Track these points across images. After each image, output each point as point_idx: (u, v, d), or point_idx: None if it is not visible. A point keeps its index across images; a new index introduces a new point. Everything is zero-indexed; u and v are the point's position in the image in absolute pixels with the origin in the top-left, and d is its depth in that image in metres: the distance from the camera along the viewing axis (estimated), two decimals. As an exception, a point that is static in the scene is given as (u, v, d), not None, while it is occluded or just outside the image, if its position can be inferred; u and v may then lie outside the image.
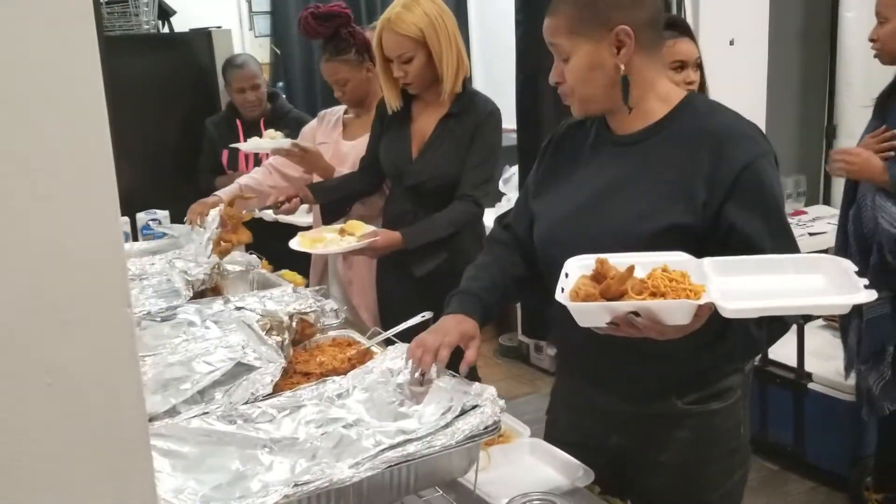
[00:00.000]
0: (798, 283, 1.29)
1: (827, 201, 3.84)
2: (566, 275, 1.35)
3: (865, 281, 1.23)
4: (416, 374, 1.43)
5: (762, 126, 3.65)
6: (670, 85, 1.52)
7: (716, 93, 3.42)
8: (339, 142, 2.82)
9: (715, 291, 1.23)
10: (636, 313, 1.24)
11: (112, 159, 0.74)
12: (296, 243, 2.40)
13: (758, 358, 3.00)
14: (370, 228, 2.39)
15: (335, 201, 2.64)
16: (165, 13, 3.97)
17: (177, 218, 2.75)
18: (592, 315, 1.26)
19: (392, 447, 1.19)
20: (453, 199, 2.38)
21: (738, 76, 3.57)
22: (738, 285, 1.27)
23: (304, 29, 2.71)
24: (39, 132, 0.70)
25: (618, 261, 1.30)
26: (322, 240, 2.39)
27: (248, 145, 2.81)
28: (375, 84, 2.74)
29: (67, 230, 0.72)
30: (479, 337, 1.52)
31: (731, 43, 3.56)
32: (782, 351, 2.88)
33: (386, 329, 1.80)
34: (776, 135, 3.80)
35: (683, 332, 1.26)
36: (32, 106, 0.69)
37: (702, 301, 1.21)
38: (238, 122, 3.64)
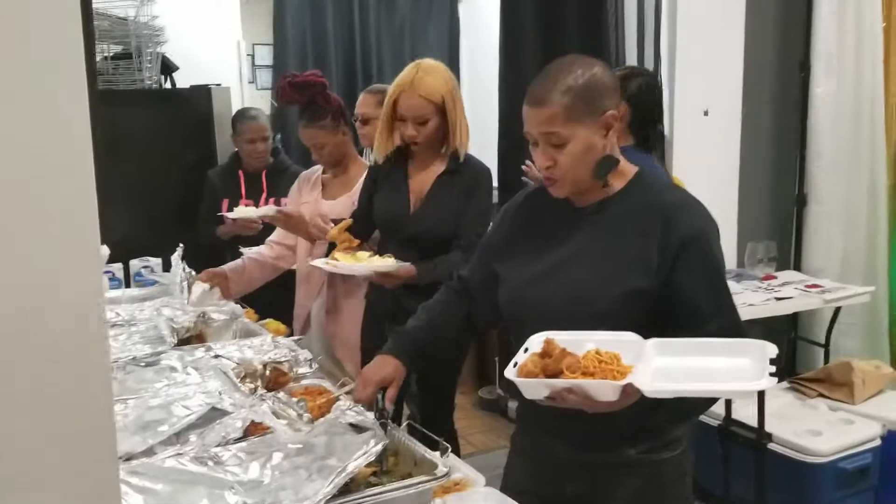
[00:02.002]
0: (723, 366, 1.45)
1: (797, 267, 3.95)
2: (525, 350, 1.51)
3: (772, 368, 1.38)
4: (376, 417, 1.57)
5: (735, 193, 3.83)
6: (625, 161, 1.67)
7: (690, 161, 3.62)
8: (318, 201, 2.94)
9: (642, 373, 1.40)
10: (571, 389, 1.41)
11: (97, 218, 0.81)
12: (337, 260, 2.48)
13: (721, 417, 3.11)
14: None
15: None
16: (168, 69, 4.14)
17: (169, 265, 2.85)
18: (533, 389, 1.45)
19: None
20: (453, 247, 2.50)
21: (712, 145, 3.75)
22: (673, 364, 1.45)
23: (282, 96, 2.86)
24: (33, 189, 0.77)
25: (567, 338, 1.49)
26: (358, 258, 2.49)
27: (236, 214, 2.93)
28: (351, 146, 2.92)
29: (53, 281, 0.80)
30: (401, 376, 1.73)
31: (706, 113, 3.74)
32: (744, 411, 2.98)
33: None
34: (749, 201, 3.94)
35: (613, 408, 1.43)
36: (21, 161, 0.76)
37: (623, 382, 1.38)
38: (240, 173, 3.74)
